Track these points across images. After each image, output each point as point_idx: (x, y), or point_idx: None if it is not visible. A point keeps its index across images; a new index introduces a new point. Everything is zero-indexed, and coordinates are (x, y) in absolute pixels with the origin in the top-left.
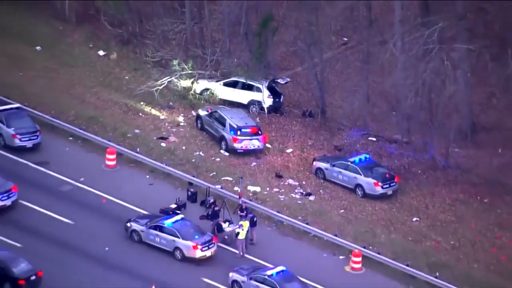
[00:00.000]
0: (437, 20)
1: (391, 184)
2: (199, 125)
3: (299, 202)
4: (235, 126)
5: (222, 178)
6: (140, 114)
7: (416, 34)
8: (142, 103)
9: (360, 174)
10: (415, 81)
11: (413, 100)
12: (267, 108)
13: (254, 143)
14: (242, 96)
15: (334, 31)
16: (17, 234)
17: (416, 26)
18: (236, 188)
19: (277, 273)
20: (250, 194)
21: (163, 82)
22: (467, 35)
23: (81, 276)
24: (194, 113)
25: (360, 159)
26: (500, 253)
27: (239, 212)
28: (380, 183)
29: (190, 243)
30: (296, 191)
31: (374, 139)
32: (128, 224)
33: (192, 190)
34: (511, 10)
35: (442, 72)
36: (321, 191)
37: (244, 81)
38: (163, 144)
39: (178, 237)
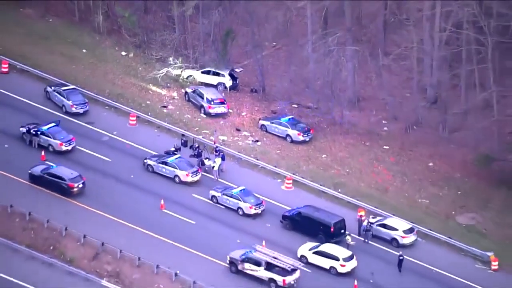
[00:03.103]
0: (335, 31)
1: (308, 134)
2: (187, 98)
3: (251, 146)
4: (210, 99)
5: (203, 131)
6: (149, 91)
7: (323, 40)
8: (150, 84)
9: (289, 128)
10: (322, 69)
11: (321, 81)
12: (228, 87)
13: (222, 109)
14: (213, 80)
15: (269, 38)
16: (75, 168)
17: (322, 35)
18: (211, 137)
19: (240, 190)
20: (220, 141)
21: (163, 72)
22: (354, 41)
23: (115, 193)
24: (183, 90)
25: (288, 119)
26: (377, 177)
27: (214, 152)
28: (301, 133)
29: (184, 172)
30: (249, 139)
31: (296, 106)
32: (145, 160)
33: (184, 139)
34: (383, 26)
35: (339, 64)
36: (264, 139)
37: (214, 70)
38: (164, 110)
39: (176, 168)
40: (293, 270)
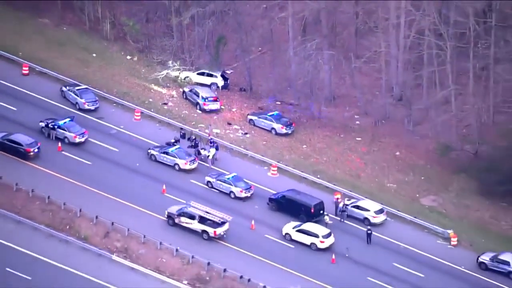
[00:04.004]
0: (313, 37)
1: (290, 127)
2: (184, 96)
3: (241, 138)
4: (204, 97)
5: (199, 125)
6: (152, 90)
7: (302, 46)
8: (152, 84)
9: (273, 122)
10: (302, 71)
11: (301, 81)
12: (220, 86)
13: (215, 106)
14: (207, 80)
15: (255, 44)
16: (88, 157)
17: (302, 41)
18: (206, 130)
19: (232, 176)
20: (214, 134)
21: (163, 73)
22: (330, 46)
23: (122, 178)
24: (181, 90)
25: (273, 114)
26: (351, 164)
27: (209, 143)
28: (284, 127)
29: (183, 161)
30: (239, 132)
31: (280, 103)
32: (149, 150)
33: (182, 132)
34: (354, 33)
35: (317, 66)
36: (252, 131)
37: (208, 72)
38: (165, 107)
39: (176, 157)
40: (223, 223)
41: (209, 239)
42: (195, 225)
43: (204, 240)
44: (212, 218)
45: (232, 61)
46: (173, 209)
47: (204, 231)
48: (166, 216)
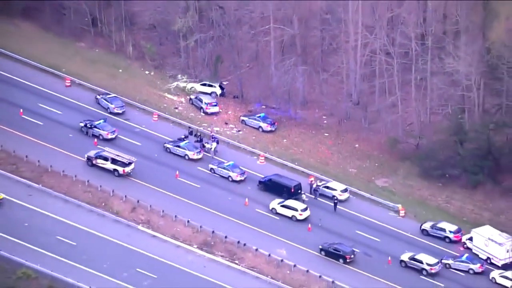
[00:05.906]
0: (290, 56)
1: (274, 126)
2: (191, 102)
3: (235, 134)
4: (207, 102)
5: (202, 124)
6: (165, 98)
7: (282, 62)
8: (166, 93)
9: (260, 122)
10: (282, 82)
11: (281, 90)
12: (219, 94)
13: (215, 109)
14: (208, 89)
15: (245, 61)
16: (118, 150)
17: (281, 59)
18: (209, 128)
19: (230, 164)
20: (215, 131)
21: (174, 84)
22: (303, 63)
23: (143, 167)
24: (188, 97)
25: (260, 115)
26: (321, 154)
27: (211, 138)
28: (269, 125)
29: (191, 152)
30: (234, 129)
31: (265, 107)
32: (165, 144)
33: (190, 129)
34: (322, 53)
35: (294, 78)
36: (244, 129)
37: (208, 83)
38: (176, 110)
39: (186, 150)
40: (130, 163)
41: (119, 176)
42: (108, 165)
43: (116, 177)
44: (121, 160)
45: (227, 75)
46: (91, 153)
47: (115, 170)
48: (85, 158)
